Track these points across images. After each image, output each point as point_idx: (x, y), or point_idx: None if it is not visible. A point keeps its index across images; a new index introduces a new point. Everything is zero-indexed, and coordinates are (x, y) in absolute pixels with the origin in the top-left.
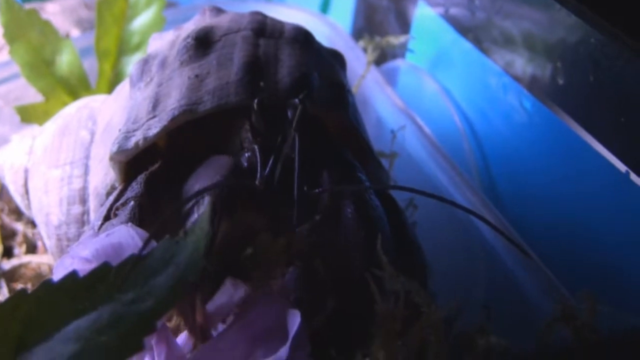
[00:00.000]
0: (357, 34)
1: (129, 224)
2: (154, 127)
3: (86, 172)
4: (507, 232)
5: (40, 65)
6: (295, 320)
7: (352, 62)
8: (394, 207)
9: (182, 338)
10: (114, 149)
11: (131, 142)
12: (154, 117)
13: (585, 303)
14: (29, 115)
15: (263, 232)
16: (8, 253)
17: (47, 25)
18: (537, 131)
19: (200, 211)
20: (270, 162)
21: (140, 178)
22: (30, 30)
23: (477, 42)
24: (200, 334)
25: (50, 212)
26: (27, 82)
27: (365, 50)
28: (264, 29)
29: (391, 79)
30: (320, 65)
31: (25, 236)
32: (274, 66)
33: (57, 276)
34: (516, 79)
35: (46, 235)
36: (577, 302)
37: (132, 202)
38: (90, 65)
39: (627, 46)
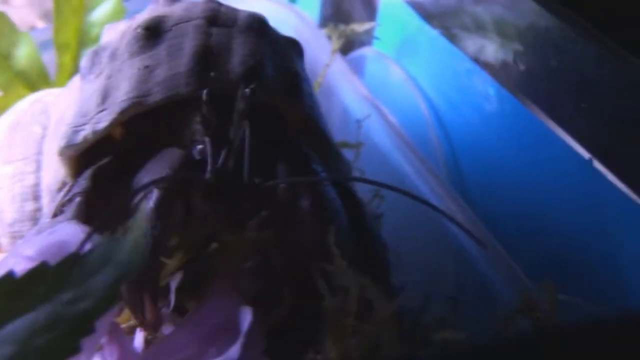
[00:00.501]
0: (325, 22)
1: (74, 220)
2: (104, 120)
3: (38, 168)
4: (471, 221)
5: None
6: (246, 317)
7: (317, 51)
8: (352, 199)
9: (137, 336)
10: (62, 143)
11: (80, 136)
12: (104, 110)
13: (546, 294)
14: None
15: (223, 228)
16: None
17: (1, 18)
18: (503, 119)
19: (147, 205)
20: (222, 154)
21: (87, 173)
22: None
23: (442, 29)
24: (152, 330)
25: (3, 209)
26: None
27: (330, 38)
28: (217, 17)
29: (358, 67)
30: (275, 54)
31: None
32: (226, 55)
33: None
34: (481, 65)
35: (1, 234)
36: (539, 293)
37: (78, 198)
38: (51, 58)
39: (585, 30)
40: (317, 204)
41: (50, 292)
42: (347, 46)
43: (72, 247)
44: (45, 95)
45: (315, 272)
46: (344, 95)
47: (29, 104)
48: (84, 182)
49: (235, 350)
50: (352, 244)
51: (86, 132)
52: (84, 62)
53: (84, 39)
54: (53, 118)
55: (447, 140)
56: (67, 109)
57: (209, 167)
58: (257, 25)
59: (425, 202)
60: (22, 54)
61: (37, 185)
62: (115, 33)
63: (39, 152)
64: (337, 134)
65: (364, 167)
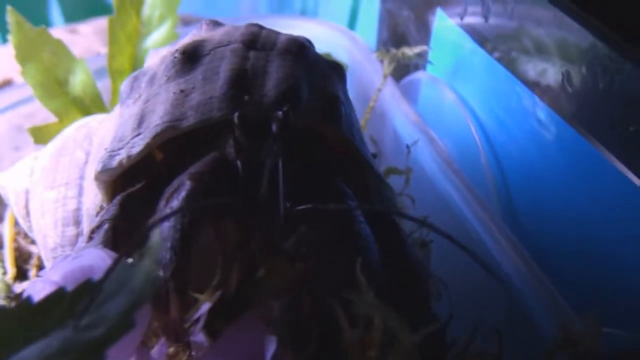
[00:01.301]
0: (382, 46)
1: (99, 245)
2: (137, 145)
3: (80, 192)
4: (515, 249)
5: (52, 85)
6: (271, 347)
7: (371, 75)
8: (391, 227)
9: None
10: (99, 168)
11: (115, 161)
12: (139, 134)
13: (590, 326)
14: (42, 136)
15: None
16: (23, 276)
17: (59, 45)
18: (553, 143)
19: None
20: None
21: (117, 199)
22: (41, 51)
23: (495, 52)
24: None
25: (46, 234)
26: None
27: (382, 62)
28: (255, 41)
29: (412, 91)
30: (313, 77)
31: (39, 259)
32: (262, 79)
33: None
34: (533, 89)
35: (45, 258)
36: (582, 324)
37: (106, 225)
38: (106, 85)
39: (630, 53)
40: (343, 236)
41: (64, 319)
42: (403, 70)
43: (97, 272)
44: (91, 120)
45: (337, 305)
46: (395, 120)
47: (74, 129)
48: (112, 208)
49: None
50: (380, 275)
51: (121, 156)
52: (123, 86)
53: (138, 65)
54: (95, 143)
55: (498, 165)
56: (107, 133)
57: (240, 191)
58: (296, 48)
59: (447, 235)
60: (78, 81)
61: (78, 210)
62: (157, 58)
63: (81, 177)
64: (389, 159)
65: (414, 192)
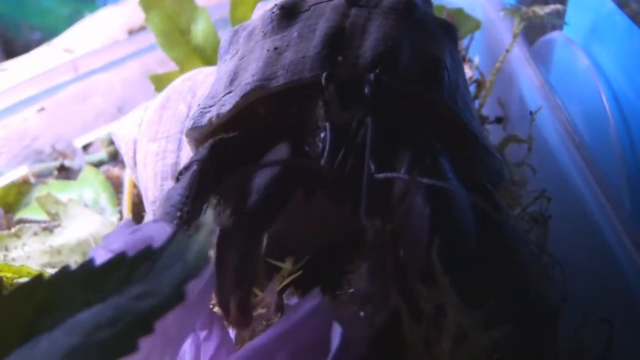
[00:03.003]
0: (523, 4)
1: (160, 221)
2: (228, 104)
3: (179, 147)
4: (630, 230)
5: (175, 33)
6: (337, 336)
7: (502, 35)
8: (490, 201)
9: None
10: (189, 125)
11: (205, 119)
12: (230, 92)
13: None
14: (162, 84)
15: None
16: (140, 222)
17: None
18: None
19: (259, 190)
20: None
21: (208, 143)
22: None
23: (636, 17)
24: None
25: (147, 186)
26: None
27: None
28: None
29: (547, 53)
30: (417, 38)
31: None
32: (359, 39)
33: None
34: None
35: (147, 210)
36: None
37: (195, 166)
38: None
39: None
40: (433, 204)
41: (122, 285)
42: (540, 30)
43: (158, 244)
44: (197, 73)
45: (414, 283)
46: (521, 84)
47: (180, 81)
48: (203, 151)
49: None
50: (477, 256)
51: (211, 114)
52: (222, 41)
53: None
54: (198, 97)
55: (629, 138)
56: (207, 88)
57: (325, 157)
58: (402, 6)
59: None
60: (199, 30)
61: (176, 165)
62: (261, 11)
63: (181, 131)
64: (514, 124)
65: (536, 162)
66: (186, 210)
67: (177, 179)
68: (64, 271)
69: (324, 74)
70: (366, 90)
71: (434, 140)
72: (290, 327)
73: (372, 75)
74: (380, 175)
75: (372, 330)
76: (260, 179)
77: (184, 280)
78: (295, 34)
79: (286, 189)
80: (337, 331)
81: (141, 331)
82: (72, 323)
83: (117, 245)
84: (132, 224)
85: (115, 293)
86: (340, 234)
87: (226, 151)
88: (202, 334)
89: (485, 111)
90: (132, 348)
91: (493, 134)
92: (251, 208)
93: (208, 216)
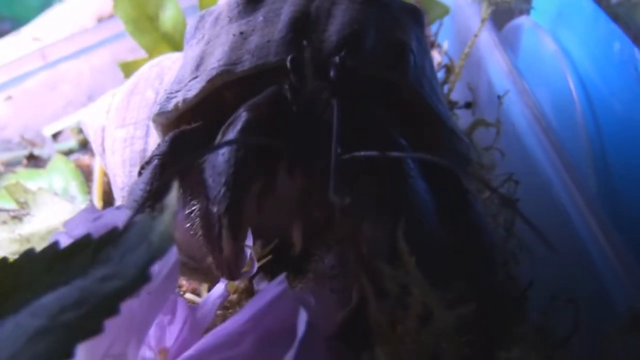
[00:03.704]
0: None
1: (122, 207)
2: (193, 89)
3: (147, 133)
4: (598, 218)
5: (143, 20)
6: (302, 325)
7: (469, 20)
8: (455, 185)
9: (218, 287)
10: (155, 110)
11: (171, 104)
12: (196, 77)
13: None
14: (131, 71)
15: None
16: None
17: None
18: None
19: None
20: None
21: (168, 136)
22: None
23: (601, 1)
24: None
25: (116, 173)
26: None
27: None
28: None
29: (515, 38)
30: (383, 22)
31: None
32: (324, 23)
33: None
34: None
35: (115, 197)
36: None
37: (155, 161)
38: None
39: None
40: (391, 189)
41: (86, 267)
42: (508, 15)
43: None
44: (164, 59)
45: (374, 270)
46: (489, 69)
47: (148, 67)
48: (163, 145)
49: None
50: (433, 237)
51: (177, 99)
52: (189, 27)
53: None
54: (165, 82)
55: (595, 121)
56: (174, 74)
57: (293, 136)
58: None
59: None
60: (168, 16)
61: (144, 151)
62: None
63: (149, 117)
64: (483, 109)
65: (504, 146)
66: (148, 205)
67: (140, 174)
68: (28, 254)
69: (289, 57)
70: (331, 73)
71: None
72: (256, 312)
73: (337, 58)
74: (346, 156)
75: (340, 309)
76: (223, 165)
77: (149, 261)
78: (261, 18)
79: (249, 171)
80: (302, 317)
81: (106, 313)
82: (37, 306)
83: (79, 232)
84: (94, 210)
85: (79, 275)
86: (307, 217)
87: (188, 143)
88: (167, 317)
89: (454, 96)
90: (98, 330)
91: (462, 119)
92: (222, 204)
93: (172, 197)
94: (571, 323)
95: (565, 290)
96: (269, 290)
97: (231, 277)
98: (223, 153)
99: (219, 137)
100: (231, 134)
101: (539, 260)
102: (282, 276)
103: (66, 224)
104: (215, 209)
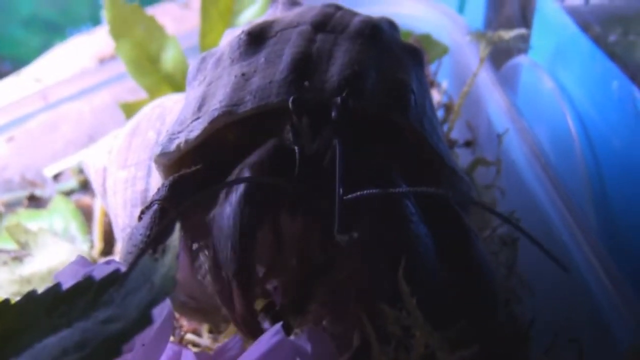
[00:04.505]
0: (489, 29)
1: (112, 262)
2: (196, 130)
3: (149, 173)
4: (597, 252)
5: (145, 61)
6: None
7: (469, 59)
8: (456, 222)
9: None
10: (157, 151)
11: (173, 145)
12: (198, 118)
13: None
14: (133, 112)
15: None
16: (110, 251)
17: (151, 22)
18: None
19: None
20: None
21: (167, 181)
22: (135, 27)
23: (599, 40)
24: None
25: (117, 214)
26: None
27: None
28: (326, 23)
29: (514, 77)
30: (383, 62)
31: None
32: (326, 63)
33: None
34: (634, 78)
35: (117, 237)
36: None
37: (155, 206)
38: None
39: None
40: (389, 230)
41: (88, 309)
42: (507, 54)
43: None
44: (166, 100)
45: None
46: (488, 107)
47: (150, 108)
48: (162, 189)
49: None
50: (431, 276)
51: (180, 140)
52: (191, 67)
53: None
54: (167, 123)
55: (594, 158)
56: (176, 115)
57: (296, 179)
58: (368, 31)
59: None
60: (169, 58)
61: (146, 191)
62: (229, 38)
63: (151, 158)
64: (483, 148)
65: (504, 184)
66: (149, 250)
67: (140, 218)
68: (31, 296)
69: (291, 99)
70: (333, 113)
71: (398, 176)
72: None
73: (338, 99)
74: (349, 196)
75: (339, 355)
76: (229, 229)
77: (151, 303)
78: (262, 59)
79: (255, 230)
80: None
81: (108, 355)
82: (39, 348)
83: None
84: (85, 262)
85: (81, 317)
86: (309, 257)
87: (188, 186)
88: None
89: (454, 135)
90: None
91: (462, 158)
92: (230, 268)
93: (174, 240)
94: None
95: (567, 327)
96: (265, 341)
97: (252, 334)
98: (228, 217)
99: (220, 197)
100: (234, 195)
101: (540, 298)
102: (278, 326)
103: (56, 275)
104: (224, 273)
